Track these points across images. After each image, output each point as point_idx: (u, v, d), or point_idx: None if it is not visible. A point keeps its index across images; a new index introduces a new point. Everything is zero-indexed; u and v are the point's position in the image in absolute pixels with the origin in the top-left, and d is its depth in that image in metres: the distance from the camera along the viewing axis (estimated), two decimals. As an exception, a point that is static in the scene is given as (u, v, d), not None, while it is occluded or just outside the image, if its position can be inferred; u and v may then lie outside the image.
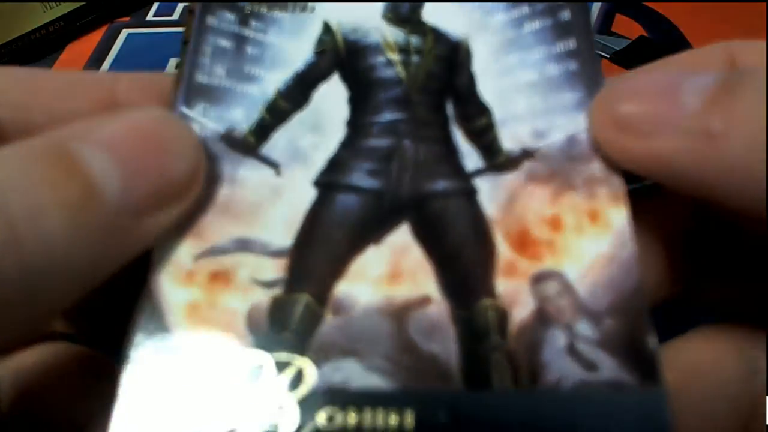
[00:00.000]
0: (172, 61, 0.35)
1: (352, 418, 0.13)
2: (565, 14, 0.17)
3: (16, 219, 0.11)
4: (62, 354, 0.17)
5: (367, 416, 0.13)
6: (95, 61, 0.36)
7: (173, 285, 0.14)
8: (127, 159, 0.13)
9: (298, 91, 0.17)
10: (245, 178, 0.16)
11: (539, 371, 0.14)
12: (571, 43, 0.17)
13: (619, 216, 0.15)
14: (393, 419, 0.13)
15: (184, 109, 0.16)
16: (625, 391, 0.13)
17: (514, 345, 0.14)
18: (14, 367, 0.16)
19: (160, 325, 0.14)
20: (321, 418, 0.13)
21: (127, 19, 0.39)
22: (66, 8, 0.35)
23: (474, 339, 0.14)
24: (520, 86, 0.17)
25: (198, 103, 0.17)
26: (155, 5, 0.39)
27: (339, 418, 0.13)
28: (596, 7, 0.37)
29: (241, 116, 0.17)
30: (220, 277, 0.15)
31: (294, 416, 0.13)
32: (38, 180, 0.12)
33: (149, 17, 0.39)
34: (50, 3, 0.34)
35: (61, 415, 0.16)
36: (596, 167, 0.15)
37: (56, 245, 0.12)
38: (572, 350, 0.14)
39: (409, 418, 0.13)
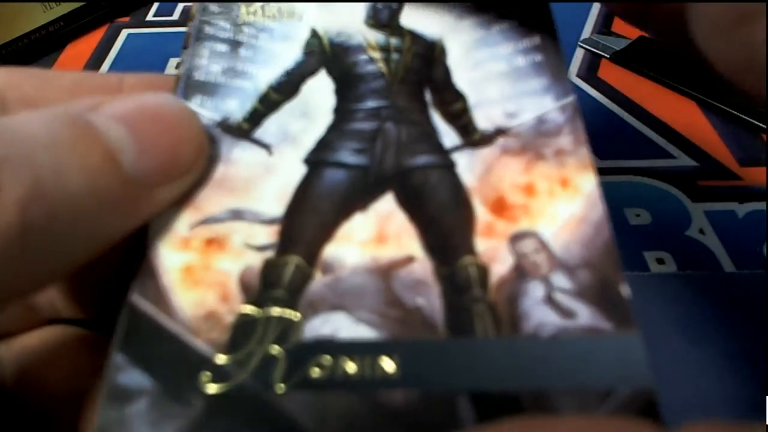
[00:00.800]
0: (172, 61, 0.36)
1: (340, 365, 0.14)
2: (529, 16, 0.19)
3: (42, 174, 0.12)
4: (67, 336, 0.17)
5: (356, 363, 0.14)
6: (95, 60, 0.36)
7: (170, 250, 0.15)
8: (141, 133, 0.14)
9: (288, 84, 0.18)
10: (239, 158, 0.17)
11: (519, 320, 0.14)
12: (535, 39, 0.19)
13: (587, 182, 0.16)
14: (380, 366, 0.14)
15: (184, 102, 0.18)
16: (602, 336, 0.14)
17: (495, 297, 0.14)
18: (19, 346, 0.17)
19: (155, 284, 0.15)
20: (311, 366, 0.14)
21: (127, 19, 0.39)
22: (66, 8, 0.34)
23: (457, 292, 0.15)
24: (491, 76, 0.18)
25: (195, 96, 0.18)
26: (155, 5, 0.39)
27: (327, 366, 0.14)
28: (596, 8, 0.38)
29: (235, 107, 0.18)
30: (214, 243, 0.15)
31: (285, 365, 0.14)
32: (63, 142, 0.13)
33: (149, 17, 0.39)
34: (50, 3, 0.33)
35: (64, 393, 0.16)
36: (565, 141, 0.17)
37: (76, 205, 0.13)
38: (550, 300, 0.14)
39: (396, 365, 0.14)
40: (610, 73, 0.34)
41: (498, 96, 0.18)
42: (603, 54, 0.35)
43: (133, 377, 0.13)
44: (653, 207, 0.28)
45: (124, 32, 0.38)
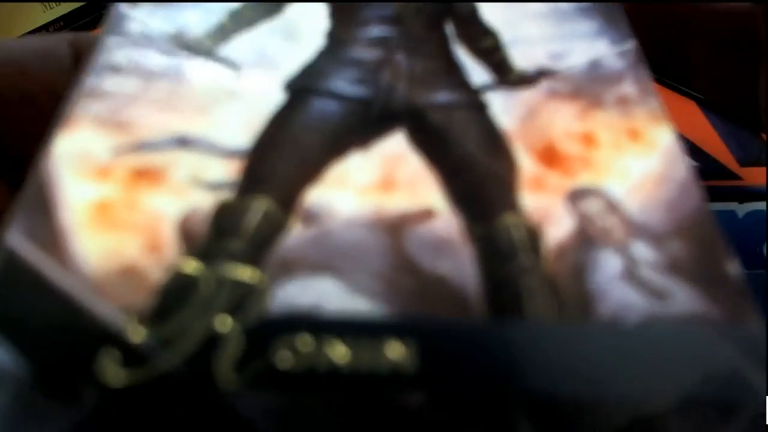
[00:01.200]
0: None
1: (325, 350, 0.09)
2: None
3: None
4: None
5: (349, 348, 0.09)
6: None
7: (78, 179, 0.10)
8: None
9: (268, 2, 0.14)
10: (194, 77, 0.12)
11: (591, 301, 0.10)
12: None
13: (663, 135, 0.12)
14: (387, 353, 0.09)
15: (123, 9, 0.13)
16: (711, 326, 0.09)
17: (553, 268, 0.10)
18: None
19: (47, 222, 0.10)
20: (280, 350, 0.09)
21: None
22: (66, 8, 0.34)
23: (497, 259, 0.10)
24: (529, 14, 0.14)
25: (141, 5, 0.13)
26: None
27: (307, 351, 0.09)
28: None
29: (196, 20, 0.13)
30: (146, 176, 0.11)
31: (239, 347, 0.09)
32: None
33: None
34: (50, 3, 0.33)
35: None
36: (628, 89, 0.13)
37: None
38: (632, 275, 0.10)
39: (411, 352, 0.09)
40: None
41: (539, 36, 0.14)
42: None
43: None
44: None
45: (123, 31, 0.36)
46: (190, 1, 0.14)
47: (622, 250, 0.10)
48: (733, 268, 0.10)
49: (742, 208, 0.27)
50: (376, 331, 0.09)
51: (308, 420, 0.08)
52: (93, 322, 0.09)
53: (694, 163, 0.28)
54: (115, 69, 0.12)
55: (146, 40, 0.13)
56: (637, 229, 0.11)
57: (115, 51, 0.12)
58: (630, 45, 0.14)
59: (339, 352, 0.09)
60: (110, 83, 0.12)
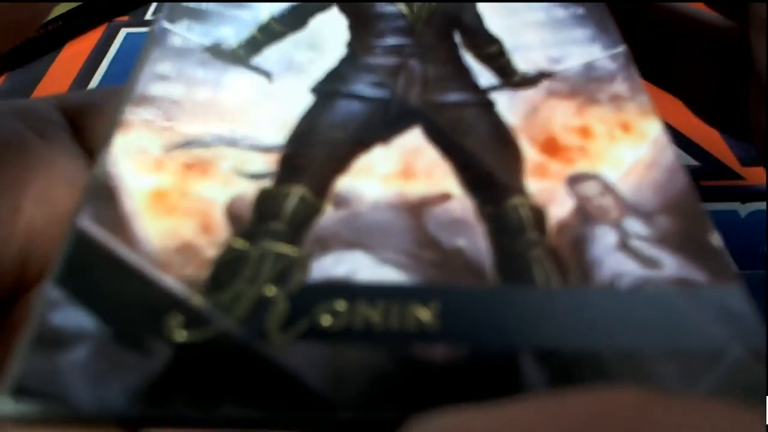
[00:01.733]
0: None
1: (360, 312, 0.10)
2: None
3: None
4: None
5: (379, 311, 0.10)
6: (94, 60, 0.35)
7: (136, 171, 0.12)
8: None
9: (293, 17, 0.16)
10: (232, 84, 0.14)
11: (590, 268, 0.11)
12: None
13: (652, 127, 0.13)
14: (412, 314, 0.10)
15: (165, 24, 0.15)
16: (697, 288, 0.11)
17: (556, 241, 0.11)
18: None
19: (113, 208, 0.11)
20: (321, 312, 0.10)
21: (126, 18, 0.37)
22: (65, 7, 0.34)
23: (507, 235, 0.11)
24: (528, 24, 0.16)
25: (182, 20, 0.15)
26: (154, 4, 0.39)
27: (344, 313, 0.10)
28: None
29: (230, 34, 0.15)
30: (196, 167, 0.12)
31: (285, 310, 0.10)
32: None
33: (148, 16, 0.38)
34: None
35: None
36: (620, 87, 0.14)
37: None
38: (626, 247, 0.11)
39: (434, 314, 0.10)
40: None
41: (538, 42, 0.15)
42: None
43: (72, 317, 0.10)
44: None
45: (123, 31, 0.37)
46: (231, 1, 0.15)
47: (617, 225, 0.12)
48: (716, 239, 0.11)
49: (744, 208, 0.27)
50: (402, 296, 0.10)
51: (347, 371, 0.09)
52: (159, 290, 0.10)
53: (696, 163, 0.29)
54: (161, 77, 0.14)
55: (187, 52, 0.14)
56: (629, 207, 0.12)
57: (159, 62, 0.14)
58: (621, 48, 0.15)
59: (372, 314, 0.10)
60: (157, 90, 0.13)
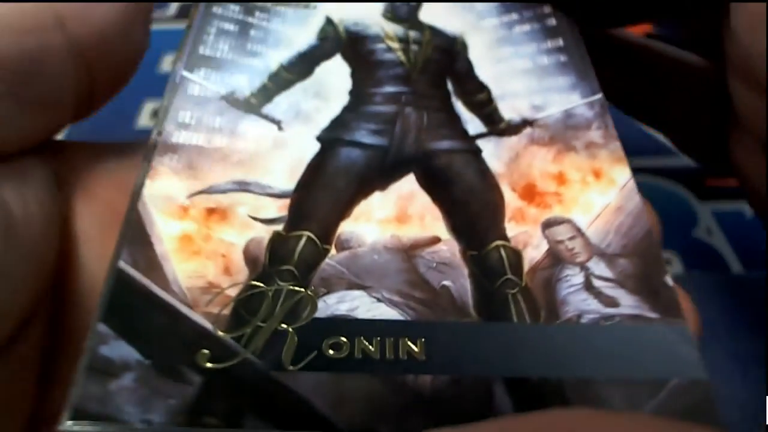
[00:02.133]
0: (167, 58, 0.35)
1: (359, 345, 0.12)
2: (551, 21, 0.19)
3: None
4: None
5: (376, 345, 0.12)
6: None
7: (165, 217, 0.13)
8: None
9: (301, 65, 0.17)
10: (246, 132, 0.15)
11: (558, 306, 0.13)
12: (559, 41, 0.18)
13: (622, 173, 0.15)
14: (404, 348, 0.12)
15: (185, 73, 0.16)
16: (649, 325, 0.12)
17: (529, 282, 0.13)
18: None
19: (147, 252, 0.13)
20: (326, 345, 0.12)
21: None
22: None
23: (487, 276, 0.13)
24: (515, 72, 0.18)
25: (199, 69, 0.17)
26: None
27: (345, 346, 0.12)
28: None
29: (244, 82, 0.17)
30: (216, 213, 0.14)
31: (296, 343, 0.12)
32: None
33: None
34: None
35: None
36: (595, 135, 0.16)
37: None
38: (590, 288, 0.13)
39: (421, 348, 0.12)
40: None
41: (523, 90, 0.17)
42: None
43: (118, 349, 0.11)
44: (659, 206, 0.26)
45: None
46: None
47: (583, 267, 0.13)
48: (669, 280, 0.13)
49: (749, 208, 0.25)
50: (395, 332, 0.12)
51: (348, 396, 0.11)
52: (190, 325, 0.12)
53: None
54: (183, 126, 0.15)
55: (205, 101, 0.16)
56: (595, 250, 0.14)
57: (181, 110, 0.16)
58: (597, 96, 0.17)
59: (369, 347, 0.12)
60: (181, 138, 0.15)
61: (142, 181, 0.14)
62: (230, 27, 0.18)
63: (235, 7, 0.18)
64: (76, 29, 0.14)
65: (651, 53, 0.21)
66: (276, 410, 0.11)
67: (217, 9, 0.18)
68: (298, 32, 0.18)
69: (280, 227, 0.14)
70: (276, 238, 0.13)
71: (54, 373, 0.14)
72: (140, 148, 0.15)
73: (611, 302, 0.13)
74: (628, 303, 0.13)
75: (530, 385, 0.12)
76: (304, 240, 0.13)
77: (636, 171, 0.27)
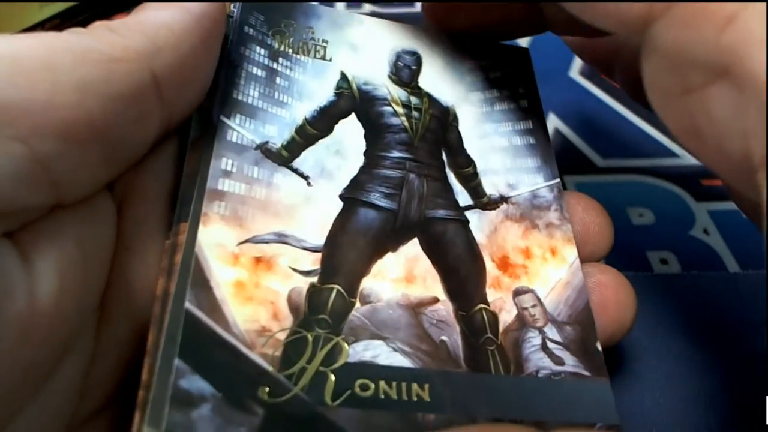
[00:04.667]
0: None
1: (381, 387, 0.15)
2: (524, 102, 0.23)
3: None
4: None
5: (393, 387, 0.16)
6: None
7: (221, 264, 0.16)
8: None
9: (323, 122, 0.20)
10: (280, 185, 0.18)
11: (522, 363, 0.17)
12: (529, 123, 0.22)
13: (571, 253, 0.20)
14: (414, 391, 0.16)
15: (223, 118, 0.18)
16: (584, 381, 0.17)
17: (503, 341, 0.17)
18: None
19: (209, 296, 0.15)
20: (357, 385, 0.15)
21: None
22: (62, 6, 0.34)
23: (473, 334, 0.17)
24: (495, 149, 0.21)
25: (235, 115, 0.19)
26: None
27: (371, 387, 0.15)
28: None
29: (275, 133, 0.19)
30: (262, 262, 0.16)
31: (334, 383, 0.15)
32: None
33: None
34: (46, 0, 0.33)
35: None
36: (553, 216, 0.20)
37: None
38: (545, 348, 0.18)
39: (427, 391, 0.16)
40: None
41: (501, 167, 0.21)
42: None
43: (195, 383, 0.14)
44: (657, 206, 0.28)
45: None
46: None
47: (541, 330, 0.18)
48: (598, 345, 0.18)
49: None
50: (407, 377, 0.16)
51: (375, 427, 0.15)
52: (251, 364, 0.15)
53: (699, 163, 0.26)
54: (226, 173, 0.18)
55: (243, 149, 0.18)
56: (550, 318, 0.18)
57: (222, 157, 0.18)
58: (556, 180, 0.21)
59: (388, 389, 0.15)
60: (225, 185, 0.17)
61: (196, 227, 0.16)
62: (258, 72, 0.20)
63: (260, 50, 0.20)
64: (169, 89, 0.15)
65: None
66: None
67: (245, 50, 0.20)
68: (318, 85, 0.20)
69: (315, 279, 0.17)
70: (312, 290, 0.16)
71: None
72: None
73: (559, 361, 0.17)
74: (571, 363, 0.17)
75: (502, 421, 0.16)
76: (335, 293, 0.17)
77: (634, 171, 0.29)
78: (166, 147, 0.17)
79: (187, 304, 0.15)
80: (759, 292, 0.25)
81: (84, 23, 0.16)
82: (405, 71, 0.22)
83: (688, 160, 0.30)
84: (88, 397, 0.15)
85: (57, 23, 0.34)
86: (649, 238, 0.27)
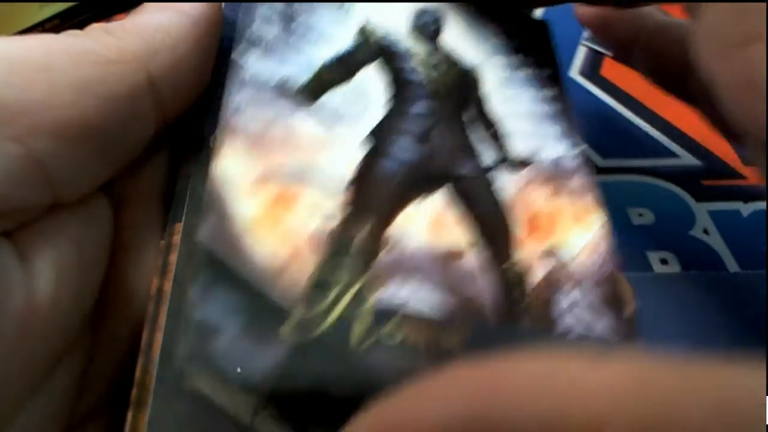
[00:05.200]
0: None
1: (410, 332, 0.14)
2: (546, 71, 0.22)
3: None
4: None
5: (422, 333, 0.14)
6: None
7: (240, 197, 0.15)
8: None
9: (341, 69, 0.19)
10: (299, 127, 0.17)
11: (552, 324, 0.16)
12: (552, 91, 0.21)
13: (596, 219, 0.19)
14: (445, 339, 0.15)
15: (237, 58, 0.17)
16: (614, 345, 0.16)
17: (532, 301, 0.16)
18: None
19: (229, 228, 0.14)
20: (387, 329, 0.14)
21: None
22: (62, 6, 0.34)
23: (504, 290, 0.16)
24: (518, 113, 0.21)
25: (251, 53, 0.18)
26: None
27: (401, 331, 0.14)
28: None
29: (292, 74, 0.18)
30: (282, 200, 0.15)
31: (363, 324, 0.14)
32: None
33: None
34: (46, 1, 0.33)
35: None
36: (576, 184, 0.19)
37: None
38: (572, 311, 0.17)
39: (456, 340, 0.15)
40: (612, 71, 0.33)
41: (524, 132, 0.20)
42: (605, 52, 0.34)
43: (214, 315, 0.13)
44: (657, 206, 0.28)
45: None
46: None
47: (569, 294, 0.17)
48: (627, 311, 0.17)
49: (746, 208, 0.27)
50: (439, 326, 0.15)
51: (404, 365, 0.14)
52: (272, 303, 0.13)
53: (699, 162, 0.29)
54: (240, 110, 0.16)
55: (259, 88, 0.17)
56: (576, 282, 0.17)
57: (237, 94, 0.17)
58: (580, 150, 0.20)
59: (420, 335, 0.14)
60: (239, 122, 0.16)
61: (209, 159, 0.15)
62: (274, 16, 0.19)
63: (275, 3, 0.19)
64: (165, 91, 0.15)
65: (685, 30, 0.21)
66: (349, 379, 0.13)
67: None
68: (335, 31, 0.19)
69: (337, 222, 0.16)
70: (335, 232, 0.15)
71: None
72: None
73: (588, 324, 0.16)
74: (597, 327, 0.17)
75: None
76: (359, 237, 0.15)
77: (634, 171, 0.29)
78: (161, 149, 0.17)
79: (198, 234, 0.14)
80: (759, 292, 0.25)
81: (84, 23, 0.16)
82: (428, 27, 0.21)
83: (688, 160, 0.30)
84: (85, 396, 0.15)
85: (57, 23, 0.34)
86: (649, 238, 0.27)
